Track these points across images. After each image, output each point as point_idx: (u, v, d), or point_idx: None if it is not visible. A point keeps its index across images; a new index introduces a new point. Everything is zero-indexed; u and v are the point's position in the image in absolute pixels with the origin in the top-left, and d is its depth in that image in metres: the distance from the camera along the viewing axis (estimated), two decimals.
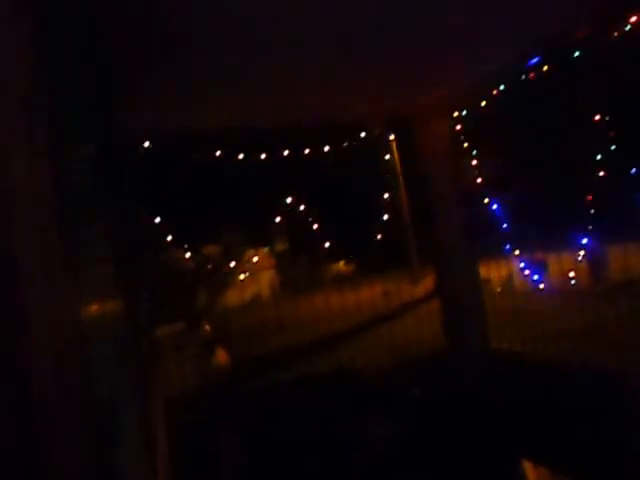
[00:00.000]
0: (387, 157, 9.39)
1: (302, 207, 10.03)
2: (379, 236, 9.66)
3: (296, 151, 7.65)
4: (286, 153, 7.82)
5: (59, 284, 0.76)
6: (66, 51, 1.53)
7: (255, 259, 12.20)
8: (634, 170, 6.13)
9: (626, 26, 5.09)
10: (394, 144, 9.32)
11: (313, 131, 6.91)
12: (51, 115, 0.93)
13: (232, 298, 11.43)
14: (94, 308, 1.23)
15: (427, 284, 8.76)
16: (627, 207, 6.27)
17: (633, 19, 4.93)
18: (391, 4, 3.38)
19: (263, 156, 7.78)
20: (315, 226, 10.04)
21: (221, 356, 6.50)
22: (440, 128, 5.92)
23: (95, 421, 0.85)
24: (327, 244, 10.07)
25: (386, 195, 9.44)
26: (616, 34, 4.94)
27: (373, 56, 4.17)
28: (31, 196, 0.73)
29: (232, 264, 11.40)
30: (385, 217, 9.41)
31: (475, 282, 6.25)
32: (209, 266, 10.98)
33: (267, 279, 13.15)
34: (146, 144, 6.07)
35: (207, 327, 7.60)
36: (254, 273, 12.30)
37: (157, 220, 7.68)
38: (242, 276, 11.30)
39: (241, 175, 9.00)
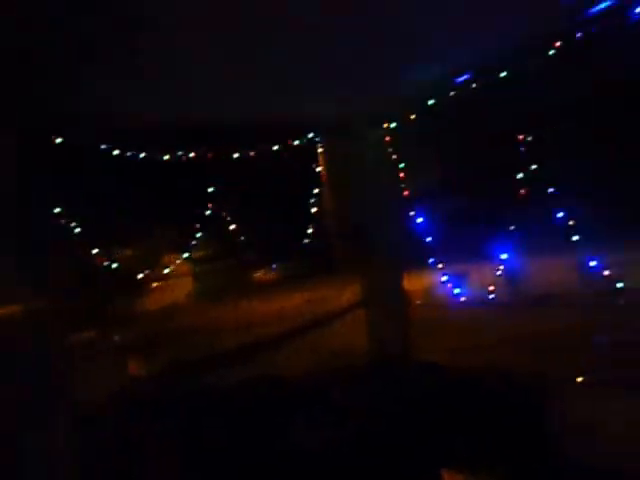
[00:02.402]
0: (316, 164, 9.34)
1: (225, 212, 9.76)
2: (304, 244, 9.58)
3: (222, 152, 7.42)
4: (211, 154, 7.56)
5: None
6: None
7: (172, 265, 11.80)
8: (552, 189, 6.46)
9: (549, 51, 5.36)
10: (323, 152, 9.28)
11: (242, 132, 6.71)
12: None
13: (146, 305, 10.99)
14: None
15: (351, 294, 8.77)
16: (545, 224, 6.59)
17: (557, 44, 5.20)
18: (330, 9, 3.32)
19: (186, 157, 7.47)
20: (238, 232, 9.79)
21: (135, 365, 6.15)
22: (373, 138, 5.95)
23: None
24: (250, 251, 9.85)
25: (313, 203, 9.38)
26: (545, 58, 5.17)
27: (308, 61, 4.11)
28: None
29: (147, 270, 10.97)
30: (311, 225, 9.35)
31: (399, 293, 6.33)
32: (122, 272, 10.46)
33: (185, 286, 12.71)
34: (58, 139, 5.63)
35: (119, 335, 7.21)
36: (171, 279, 11.90)
37: (69, 221, 7.19)
38: (156, 283, 10.93)
39: (163, 176, 8.63)
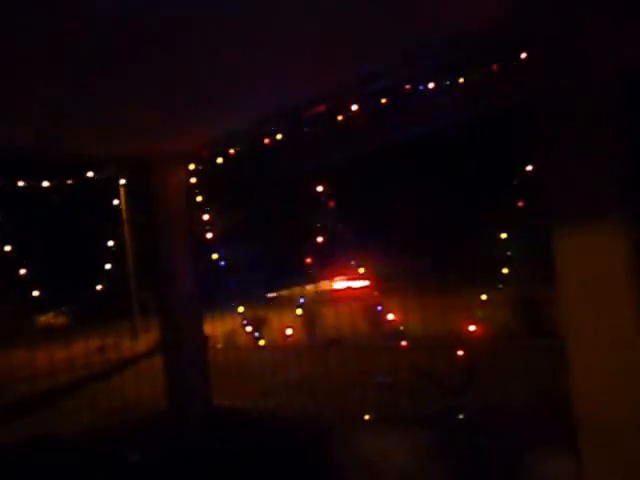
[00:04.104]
0: (115, 202, 8.85)
1: (7, 247, 8.68)
2: (98, 285, 8.91)
3: (6, 182, 6.67)
4: None
5: None
6: None
7: None
8: (355, 236, 6.97)
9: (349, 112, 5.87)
10: (123, 189, 8.86)
11: (33, 161, 6.10)
12: None
13: None
14: None
15: (149, 339, 8.36)
16: (337, 270, 7.07)
17: (354, 107, 5.72)
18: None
19: None
20: (22, 270, 8.75)
21: None
22: (176, 179, 5.82)
23: None
24: (35, 292, 8.83)
25: (110, 242, 8.83)
26: (341, 117, 5.60)
27: (111, 90, 3.93)
28: None
29: None
30: (107, 265, 8.76)
31: (199, 338, 6.18)
32: None
33: None
34: None
35: None
36: None
37: None
38: None
39: None
